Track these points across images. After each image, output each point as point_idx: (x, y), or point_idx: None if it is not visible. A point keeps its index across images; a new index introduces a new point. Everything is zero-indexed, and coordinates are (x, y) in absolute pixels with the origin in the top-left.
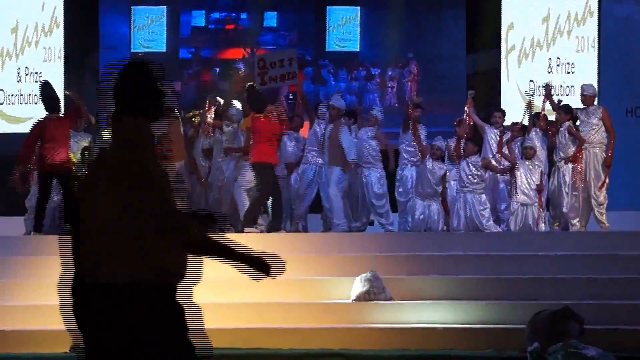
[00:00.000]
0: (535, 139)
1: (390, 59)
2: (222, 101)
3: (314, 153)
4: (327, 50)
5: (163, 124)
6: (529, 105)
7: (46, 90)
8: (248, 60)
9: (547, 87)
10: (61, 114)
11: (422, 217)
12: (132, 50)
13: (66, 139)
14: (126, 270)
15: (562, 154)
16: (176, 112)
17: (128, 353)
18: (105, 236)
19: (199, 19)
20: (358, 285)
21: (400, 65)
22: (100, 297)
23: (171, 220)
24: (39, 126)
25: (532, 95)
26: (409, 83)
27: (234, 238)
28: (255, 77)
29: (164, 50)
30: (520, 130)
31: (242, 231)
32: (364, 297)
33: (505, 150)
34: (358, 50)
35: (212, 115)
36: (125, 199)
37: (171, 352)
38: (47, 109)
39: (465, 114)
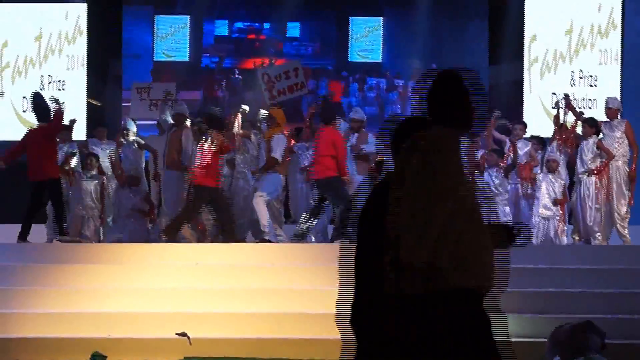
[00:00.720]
0: (557, 151)
1: (413, 70)
2: (247, 108)
3: None
4: (349, 60)
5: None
6: (557, 119)
7: (37, 100)
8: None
9: (567, 98)
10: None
11: None
12: (154, 59)
13: (53, 148)
14: (441, 277)
15: (585, 168)
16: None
17: None
18: (417, 242)
19: (222, 28)
20: None
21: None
22: (407, 306)
23: (484, 228)
24: (26, 137)
25: (559, 107)
26: None
27: (258, 248)
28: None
29: (187, 60)
30: (541, 143)
31: (268, 240)
32: None
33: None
34: (380, 61)
35: (240, 122)
36: (434, 205)
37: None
38: (37, 119)
39: (485, 132)
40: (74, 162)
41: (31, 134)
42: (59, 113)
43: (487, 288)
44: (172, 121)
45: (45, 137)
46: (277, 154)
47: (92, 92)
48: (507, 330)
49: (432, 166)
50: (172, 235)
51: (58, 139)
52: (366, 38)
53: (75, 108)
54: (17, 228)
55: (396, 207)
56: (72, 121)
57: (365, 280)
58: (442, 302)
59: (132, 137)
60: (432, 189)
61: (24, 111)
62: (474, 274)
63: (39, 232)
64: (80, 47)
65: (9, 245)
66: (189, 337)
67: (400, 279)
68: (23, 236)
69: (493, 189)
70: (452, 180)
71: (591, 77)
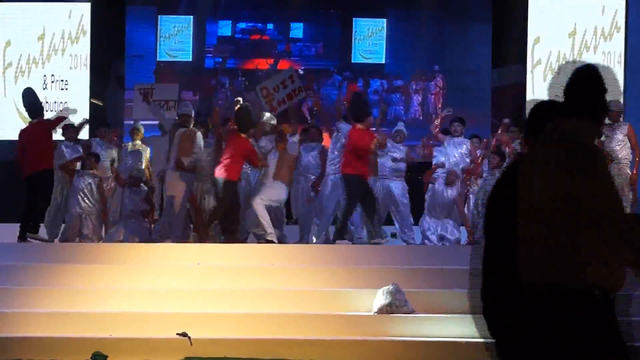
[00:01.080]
0: None
1: (415, 72)
2: (240, 100)
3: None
4: (352, 61)
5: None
6: None
7: (28, 97)
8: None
9: None
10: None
11: (434, 236)
12: (158, 59)
13: (51, 142)
14: (566, 273)
15: None
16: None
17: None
18: (549, 237)
19: (225, 29)
20: (380, 298)
21: (424, 78)
22: (537, 300)
23: (623, 225)
24: (22, 136)
25: None
26: (433, 96)
27: (259, 248)
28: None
29: (190, 60)
30: None
31: (271, 241)
32: (385, 310)
33: None
34: (383, 62)
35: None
36: (573, 198)
37: None
38: (29, 115)
39: (495, 139)
40: (79, 164)
41: (29, 131)
42: (62, 119)
43: (619, 289)
44: (167, 117)
45: (45, 132)
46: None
47: (94, 92)
48: (632, 337)
49: (567, 156)
50: (205, 233)
51: (64, 137)
52: (370, 39)
53: (78, 108)
54: (16, 227)
55: (528, 197)
56: (85, 120)
57: (495, 272)
58: (572, 299)
59: (137, 140)
60: (568, 178)
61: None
62: (608, 272)
63: (39, 231)
64: (83, 47)
65: (11, 244)
66: (189, 338)
67: (533, 272)
68: (23, 235)
69: None
70: (591, 167)
71: None
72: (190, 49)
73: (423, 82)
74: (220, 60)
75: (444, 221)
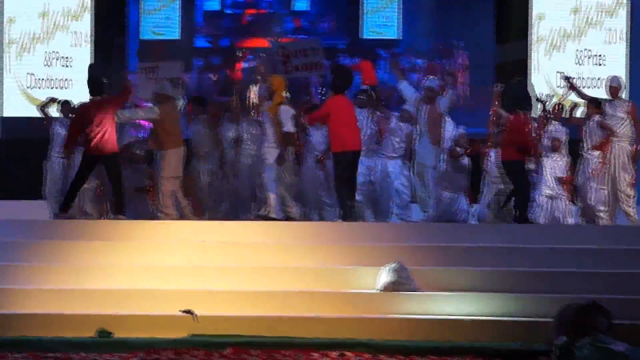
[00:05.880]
0: (560, 131)
1: (434, 49)
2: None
3: None
4: (362, 37)
5: None
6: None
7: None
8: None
9: (567, 79)
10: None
11: (443, 208)
12: (141, 38)
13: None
14: None
15: (590, 147)
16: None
17: None
18: None
19: (214, 2)
20: (384, 276)
21: (441, 55)
22: None
23: None
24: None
25: (545, 102)
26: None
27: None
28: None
29: (178, 38)
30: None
31: (274, 218)
32: (390, 288)
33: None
34: (396, 37)
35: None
36: None
37: None
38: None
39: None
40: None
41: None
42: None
43: None
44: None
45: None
46: (289, 126)
47: (97, 69)
48: None
49: None
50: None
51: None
52: (380, 13)
53: (81, 85)
54: (19, 204)
55: None
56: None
57: None
58: None
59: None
60: None
61: (29, 87)
62: None
63: (41, 208)
64: (85, 24)
65: (15, 221)
66: (194, 315)
67: None
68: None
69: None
70: None
71: (598, 56)
72: (178, 26)
73: (441, 59)
74: (212, 39)
75: (453, 197)
